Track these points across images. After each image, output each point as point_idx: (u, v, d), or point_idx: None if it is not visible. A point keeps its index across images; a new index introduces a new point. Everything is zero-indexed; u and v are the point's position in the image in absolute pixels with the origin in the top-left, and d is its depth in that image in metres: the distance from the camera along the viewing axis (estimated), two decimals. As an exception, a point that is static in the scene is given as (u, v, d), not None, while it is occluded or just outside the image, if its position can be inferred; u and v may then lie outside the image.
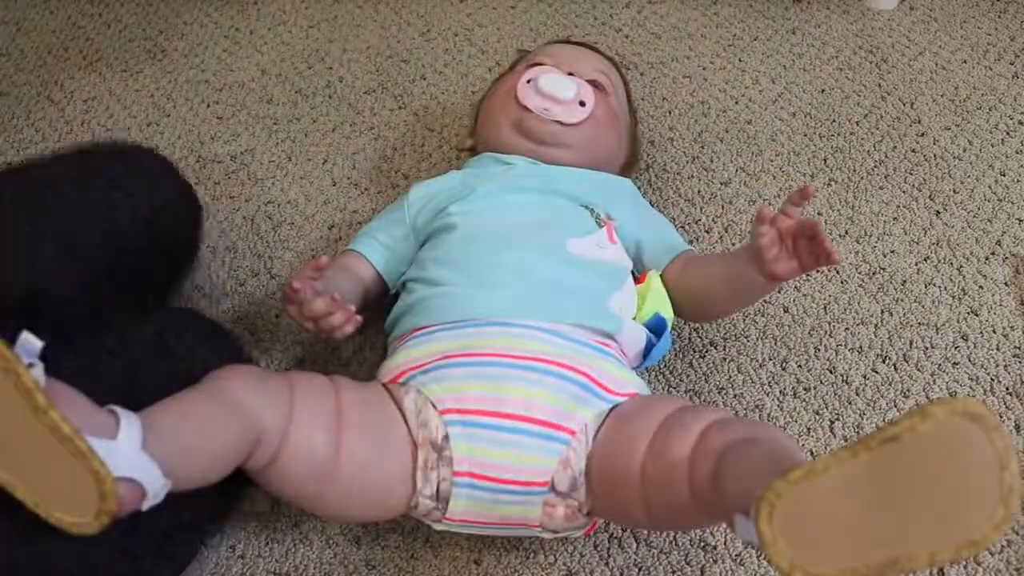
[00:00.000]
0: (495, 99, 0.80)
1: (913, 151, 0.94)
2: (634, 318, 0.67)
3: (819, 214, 0.87)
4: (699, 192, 0.90)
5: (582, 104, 0.75)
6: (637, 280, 0.70)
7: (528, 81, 0.76)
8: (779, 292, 0.80)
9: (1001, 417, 0.71)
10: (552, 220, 0.69)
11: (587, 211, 0.71)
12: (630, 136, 0.84)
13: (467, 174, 0.76)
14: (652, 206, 0.80)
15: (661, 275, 0.70)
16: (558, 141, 0.75)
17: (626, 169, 0.83)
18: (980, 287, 0.81)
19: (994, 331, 0.77)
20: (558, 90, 0.74)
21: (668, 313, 0.68)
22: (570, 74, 0.77)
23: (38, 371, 0.44)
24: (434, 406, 0.58)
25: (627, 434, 0.56)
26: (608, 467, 0.56)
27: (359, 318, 0.63)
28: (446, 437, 0.57)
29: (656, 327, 0.67)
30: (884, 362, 0.75)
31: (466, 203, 0.71)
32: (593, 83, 0.78)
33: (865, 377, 0.74)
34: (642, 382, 0.64)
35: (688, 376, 0.74)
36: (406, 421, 0.58)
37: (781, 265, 0.60)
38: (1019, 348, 0.76)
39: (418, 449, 0.58)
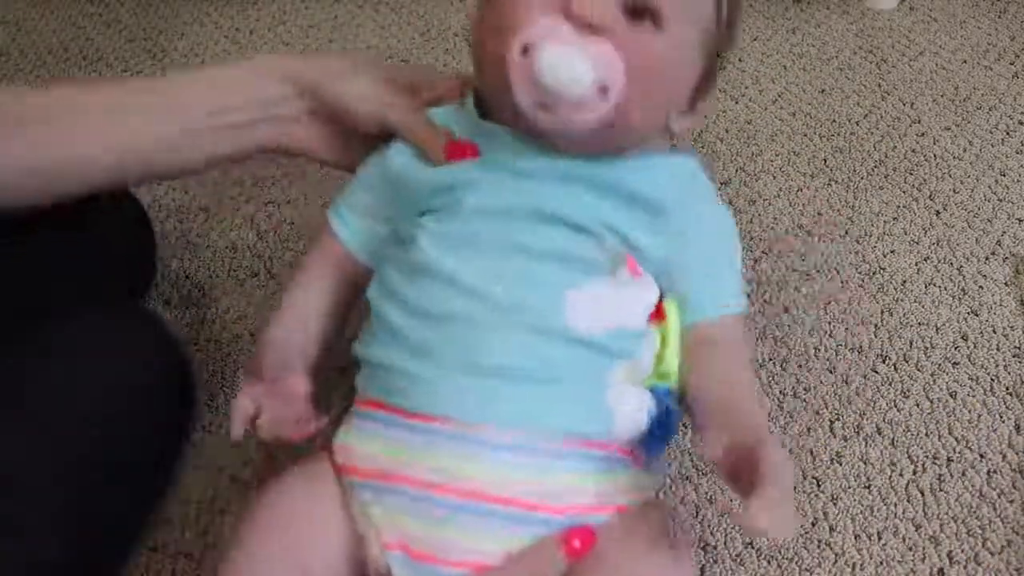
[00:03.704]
0: (483, 51, 0.53)
1: (913, 151, 0.94)
2: (651, 375, 0.54)
3: (819, 214, 0.87)
4: (699, 192, 0.90)
5: (604, 90, 0.48)
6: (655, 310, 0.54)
7: (523, 51, 0.48)
8: (779, 291, 0.80)
9: (1001, 417, 0.71)
10: (554, 259, 0.52)
11: (599, 245, 0.52)
12: (707, 56, 0.55)
13: (466, 167, 0.55)
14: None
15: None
16: (573, 140, 0.51)
17: (694, 99, 0.57)
18: (980, 287, 0.81)
19: (994, 331, 0.77)
20: (565, 79, 0.48)
21: (675, 376, 0.54)
22: (589, 26, 0.48)
23: None
24: (377, 532, 0.51)
25: None
26: None
27: (321, 422, 0.55)
28: (389, 572, 0.50)
29: (661, 399, 0.54)
30: (884, 362, 0.75)
31: (446, 220, 0.53)
32: (639, 10, 0.49)
33: (865, 377, 0.74)
34: (625, 477, 0.53)
35: (688, 376, 0.74)
36: (353, 519, 0.52)
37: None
38: (1019, 348, 0.76)
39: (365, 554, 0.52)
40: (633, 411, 0.53)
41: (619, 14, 0.49)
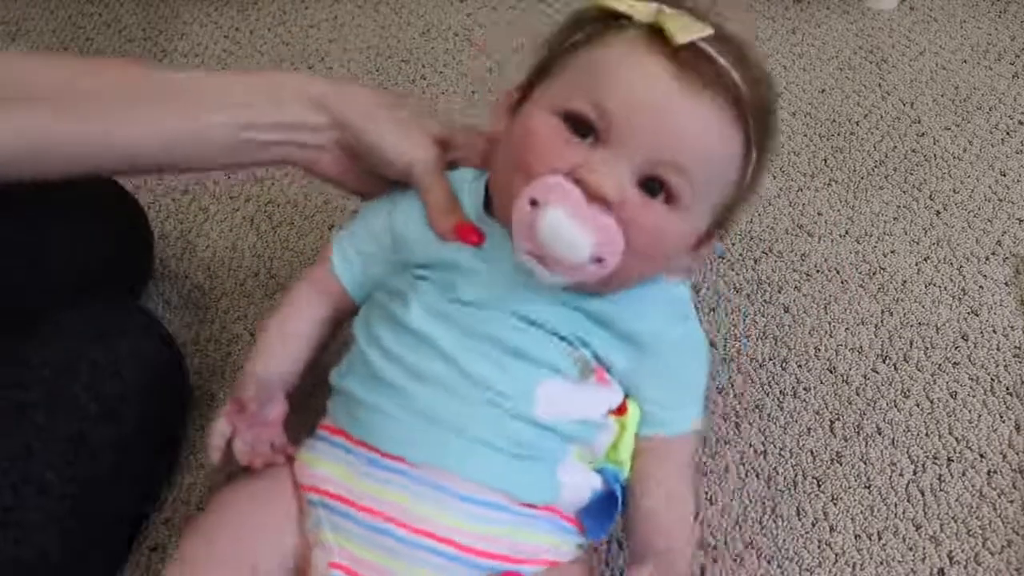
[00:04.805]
0: (497, 175, 0.56)
1: (913, 151, 0.94)
2: (604, 458, 0.57)
3: (819, 214, 0.87)
4: (699, 192, 0.90)
5: (600, 261, 0.49)
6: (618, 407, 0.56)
7: (531, 203, 0.48)
8: (779, 292, 0.80)
9: (1001, 417, 0.71)
10: (531, 358, 0.53)
11: (574, 352, 0.54)
12: (720, 214, 0.54)
13: (470, 255, 0.55)
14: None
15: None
16: (570, 286, 0.52)
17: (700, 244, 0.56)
18: (980, 287, 0.81)
19: (994, 331, 0.77)
20: (563, 247, 0.48)
21: (628, 465, 0.57)
22: (602, 200, 0.48)
23: None
24: (326, 551, 0.52)
25: None
26: None
27: (291, 451, 0.57)
28: None
29: (608, 481, 0.56)
30: (884, 362, 0.75)
31: (439, 295, 0.55)
32: (655, 187, 0.49)
33: (865, 377, 0.74)
34: (561, 536, 0.55)
35: (688, 376, 0.74)
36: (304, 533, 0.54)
37: None
38: (1019, 348, 0.76)
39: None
40: (579, 487, 0.55)
41: (633, 189, 0.49)
